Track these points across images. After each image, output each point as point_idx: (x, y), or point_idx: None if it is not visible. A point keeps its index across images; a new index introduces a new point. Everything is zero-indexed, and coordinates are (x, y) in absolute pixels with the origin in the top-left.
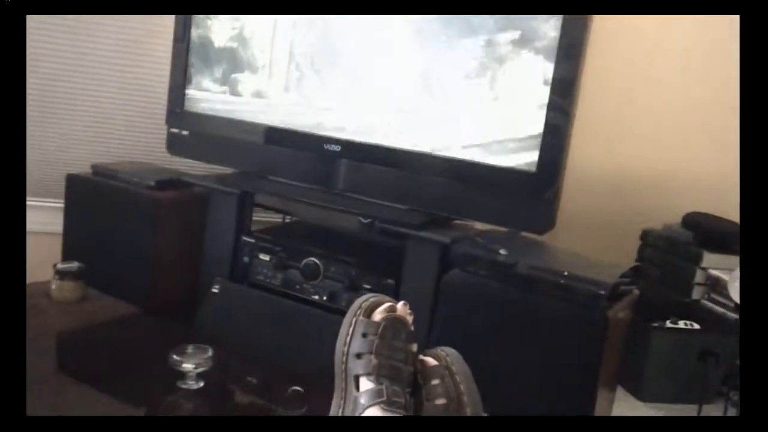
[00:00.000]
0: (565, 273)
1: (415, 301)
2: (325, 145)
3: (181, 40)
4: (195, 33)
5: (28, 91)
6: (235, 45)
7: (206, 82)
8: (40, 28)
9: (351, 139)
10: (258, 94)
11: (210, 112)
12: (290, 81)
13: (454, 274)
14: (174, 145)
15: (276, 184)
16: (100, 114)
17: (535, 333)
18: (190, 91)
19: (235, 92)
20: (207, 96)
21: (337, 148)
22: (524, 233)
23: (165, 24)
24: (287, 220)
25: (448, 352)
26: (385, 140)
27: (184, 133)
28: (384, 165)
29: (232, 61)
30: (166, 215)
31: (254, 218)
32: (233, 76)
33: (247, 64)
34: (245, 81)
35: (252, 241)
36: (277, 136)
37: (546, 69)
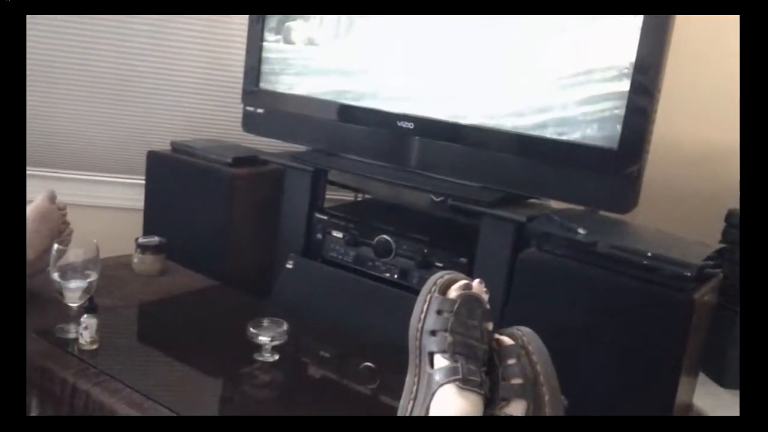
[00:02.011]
0: (649, 253)
1: (489, 280)
2: (398, 122)
3: (257, 20)
4: None
5: (109, 72)
6: None
7: (264, 32)
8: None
9: (424, 116)
10: (310, 42)
11: (284, 90)
12: (340, 28)
13: (529, 253)
14: (249, 122)
15: (349, 161)
16: (179, 93)
17: (615, 315)
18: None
19: (288, 40)
20: (266, 46)
21: (410, 125)
22: (604, 212)
23: None
24: (359, 198)
25: (525, 332)
26: (458, 117)
27: (260, 111)
28: (458, 142)
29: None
30: (242, 191)
31: (327, 196)
32: (287, 24)
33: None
34: (297, 28)
35: (325, 218)
36: (350, 113)
37: (630, 40)
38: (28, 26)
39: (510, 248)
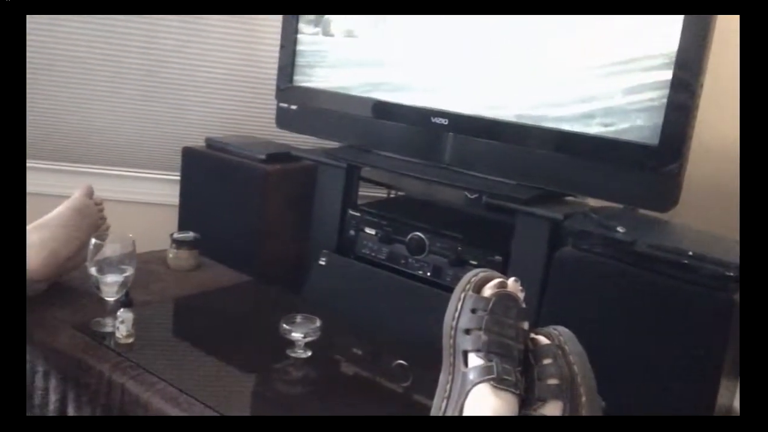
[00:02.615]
0: (689, 252)
1: (525, 279)
2: (432, 119)
3: (291, 18)
4: None
5: (144, 69)
6: None
7: (300, 25)
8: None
9: (459, 112)
10: (349, 33)
11: (318, 86)
12: (377, 21)
13: (566, 251)
14: (283, 119)
15: (382, 158)
16: (213, 90)
17: (654, 315)
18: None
19: (327, 33)
20: (301, 38)
21: (444, 121)
22: (643, 210)
23: None
24: (393, 195)
25: (561, 332)
26: (493, 113)
27: (293, 107)
28: (493, 138)
29: None
30: (275, 187)
31: (360, 192)
32: (326, 16)
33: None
34: (336, 20)
35: (358, 214)
36: (383, 109)
37: (671, 33)
38: (63, 25)
39: (546, 246)
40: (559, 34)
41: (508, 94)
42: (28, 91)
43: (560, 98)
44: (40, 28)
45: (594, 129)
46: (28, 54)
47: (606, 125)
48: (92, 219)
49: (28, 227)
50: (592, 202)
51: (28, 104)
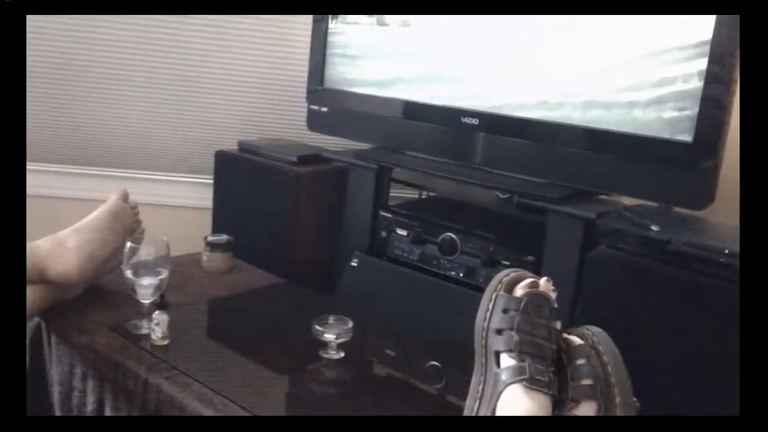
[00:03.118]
0: (726, 251)
1: (558, 279)
2: (462, 119)
3: (321, 20)
4: None
5: (176, 73)
6: None
7: (353, 15)
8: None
9: (489, 111)
10: (405, 23)
11: (348, 88)
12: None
13: (600, 250)
14: (314, 121)
15: (413, 158)
16: (244, 93)
17: (690, 315)
18: (336, 25)
19: (382, 22)
20: (352, 29)
21: (474, 121)
22: (678, 208)
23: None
24: (424, 195)
25: (595, 332)
26: (524, 111)
27: (323, 109)
28: (524, 137)
29: None
30: (307, 189)
31: (392, 193)
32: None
33: None
34: (364, 19)
35: (389, 215)
36: (413, 110)
37: (704, 25)
38: (95, 28)
39: (579, 246)
40: (588, 30)
41: (536, 91)
42: (65, 97)
43: (591, 95)
44: (75, 35)
45: (627, 126)
46: (65, 61)
47: (639, 121)
48: (127, 222)
49: (66, 231)
50: (627, 200)
51: (65, 111)
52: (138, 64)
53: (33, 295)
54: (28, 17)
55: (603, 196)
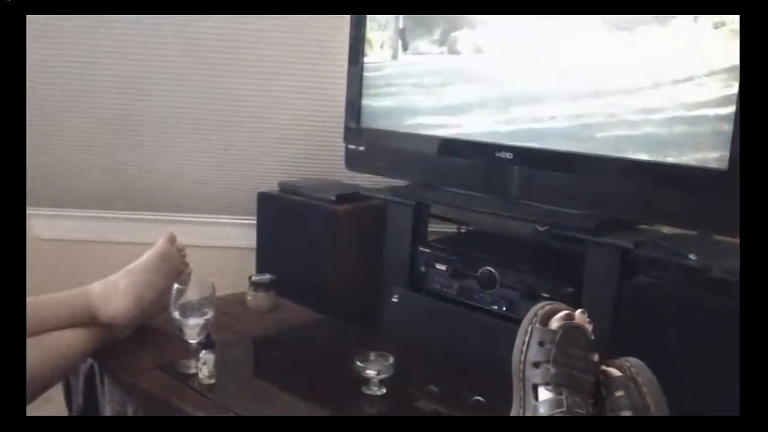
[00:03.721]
0: None
1: (598, 309)
2: (497, 153)
3: (355, 63)
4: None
5: (219, 118)
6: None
7: (424, 45)
8: (226, 57)
9: (524, 146)
10: (477, 50)
11: (384, 127)
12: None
13: (638, 280)
14: (352, 160)
15: (449, 194)
16: (285, 135)
17: (732, 344)
18: (407, 56)
19: (453, 50)
20: (422, 59)
21: (509, 155)
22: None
23: (341, 43)
24: (462, 230)
25: (633, 363)
26: (557, 144)
27: (361, 148)
28: (559, 170)
29: (451, 20)
30: (346, 227)
31: (430, 228)
32: (452, 34)
33: (465, 21)
34: (464, 38)
35: (428, 250)
36: (448, 146)
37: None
38: (150, 80)
39: (617, 275)
40: (618, 57)
41: (569, 122)
42: (122, 148)
43: (624, 125)
44: (132, 87)
45: (662, 155)
46: (122, 114)
47: (673, 149)
48: (174, 264)
49: (117, 274)
50: (667, 229)
51: (121, 161)
52: (188, 114)
53: (85, 337)
54: (97, 71)
55: (641, 226)
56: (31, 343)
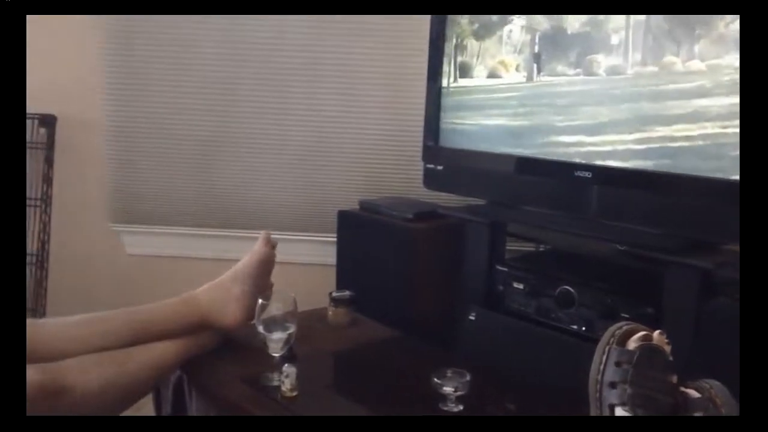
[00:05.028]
0: None
1: (678, 330)
2: (575, 173)
3: (434, 79)
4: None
5: (302, 139)
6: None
7: (560, 67)
8: (313, 80)
9: (602, 164)
10: (613, 71)
11: (461, 146)
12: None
13: (719, 301)
14: (430, 179)
15: (527, 212)
16: (366, 154)
17: None
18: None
19: (589, 72)
20: (560, 80)
21: (588, 174)
22: None
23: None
24: (540, 248)
25: (712, 384)
26: (636, 163)
27: (439, 168)
28: (638, 189)
29: (586, 44)
30: (423, 245)
31: (508, 247)
32: (588, 57)
33: (601, 45)
34: (601, 60)
35: (505, 269)
36: (526, 165)
37: None
38: (236, 102)
39: (696, 296)
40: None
41: (646, 142)
42: (208, 169)
43: (702, 143)
44: (218, 108)
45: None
46: (210, 136)
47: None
48: (272, 265)
49: (226, 279)
50: None
51: (208, 180)
52: (273, 134)
53: (177, 348)
54: (190, 103)
55: (723, 246)
56: (130, 354)
